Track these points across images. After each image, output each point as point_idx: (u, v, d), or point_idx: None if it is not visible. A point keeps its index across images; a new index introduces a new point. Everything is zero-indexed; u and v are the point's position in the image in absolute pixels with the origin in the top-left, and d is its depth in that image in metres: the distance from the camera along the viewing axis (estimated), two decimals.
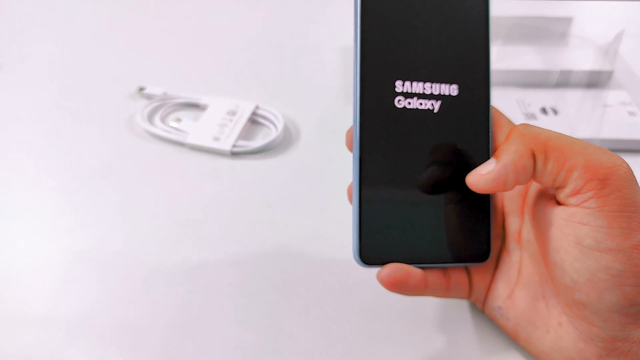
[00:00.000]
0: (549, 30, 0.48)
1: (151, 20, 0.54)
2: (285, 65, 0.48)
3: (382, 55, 0.24)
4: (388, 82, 0.24)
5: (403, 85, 0.24)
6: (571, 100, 0.42)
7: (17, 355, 0.26)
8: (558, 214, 0.22)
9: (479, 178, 0.23)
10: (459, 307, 0.29)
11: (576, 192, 0.21)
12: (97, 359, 0.26)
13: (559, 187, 0.22)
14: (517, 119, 0.40)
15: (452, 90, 0.25)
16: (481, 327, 0.28)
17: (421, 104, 0.24)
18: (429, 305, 0.29)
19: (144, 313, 0.28)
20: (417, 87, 0.24)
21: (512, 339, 0.26)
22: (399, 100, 0.24)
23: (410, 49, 0.24)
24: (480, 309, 0.27)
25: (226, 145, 0.38)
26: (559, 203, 0.23)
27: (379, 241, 0.24)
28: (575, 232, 0.21)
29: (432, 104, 0.24)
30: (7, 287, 0.30)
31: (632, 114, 0.40)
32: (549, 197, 0.23)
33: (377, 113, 0.24)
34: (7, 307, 0.29)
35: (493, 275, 0.26)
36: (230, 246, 0.32)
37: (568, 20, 0.48)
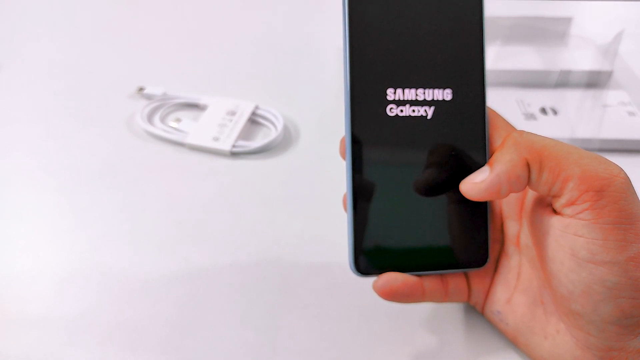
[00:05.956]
0: (548, 30, 0.48)
1: (151, 20, 0.54)
2: (285, 65, 0.48)
3: (372, 63, 0.24)
4: (379, 91, 0.24)
5: (394, 92, 0.24)
6: (571, 100, 0.42)
7: (17, 355, 0.26)
8: (554, 224, 0.22)
9: (472, 186, 0.23)
10: (457, 309, 0.29)
11: (571, 203, 0.21)
12: (97, 359, 0.26)
13: (555, 196, 0.22)
14: (517, 119, 0.40)
15: (446, 95, 0.24)
16: (479, 328, 0.28)
17: (414, 111, 0.24)
18: (427, 306, 0.29)
19: (143, 313, 0.28)
20: (409, 94, 0.24)
21: (512, 342, 0.26)
22: (391, 108, 0.24)
23: (401, 54, 0.24)
24: (480, 312, 0.27)
25: (226, 145, 0.38)
26: (555, 211, 0.22)
27: (375, 251, 0.24)
28: (571, 243, 0.21)
29: (425, 111, 0.24)
30: (7, 287, 0.30)
31: (631, 114, 0.40)
32: (545, 204, 0.23)
33: (369, 123, 0.24)
34: (7, 307, 0.29)
35: (492, 280, 0.26)
36: (229, 246, 0.32)
37: (568, 20, 0.48)
